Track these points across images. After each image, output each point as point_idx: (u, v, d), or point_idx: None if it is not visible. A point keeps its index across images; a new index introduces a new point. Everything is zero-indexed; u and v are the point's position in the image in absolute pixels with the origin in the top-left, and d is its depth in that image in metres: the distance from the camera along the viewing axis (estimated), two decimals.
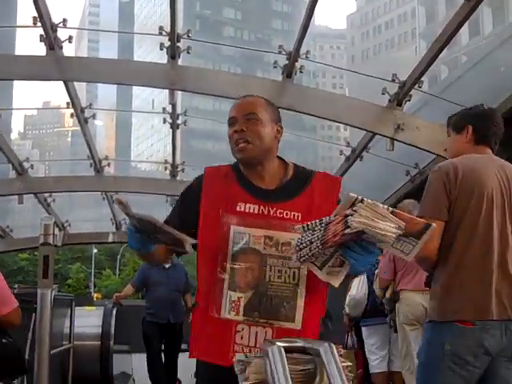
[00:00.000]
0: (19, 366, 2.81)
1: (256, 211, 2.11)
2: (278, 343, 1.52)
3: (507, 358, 2.50)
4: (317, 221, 1.82)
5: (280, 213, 2.10)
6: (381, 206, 1.74)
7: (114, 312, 7.09)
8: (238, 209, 2.11)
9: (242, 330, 2.05)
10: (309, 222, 1.84)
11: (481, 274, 2.55)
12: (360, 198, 1.74)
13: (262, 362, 1.52)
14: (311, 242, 1.81)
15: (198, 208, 2.16)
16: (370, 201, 1.73)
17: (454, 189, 2.61)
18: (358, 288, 5.57)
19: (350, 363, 1.53)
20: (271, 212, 2.10)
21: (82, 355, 6.46)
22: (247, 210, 2.11)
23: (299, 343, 1.57)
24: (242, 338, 2.05)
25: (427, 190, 2.59)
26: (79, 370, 6.23)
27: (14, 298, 2.78)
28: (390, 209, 1.76)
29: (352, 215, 1.70)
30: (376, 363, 5.59)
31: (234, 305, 2.06)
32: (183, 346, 7.12)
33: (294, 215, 2.10)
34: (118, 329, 7.08)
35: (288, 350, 1.52)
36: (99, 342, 6.74)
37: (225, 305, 2.06)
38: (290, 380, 1.44)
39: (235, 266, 2.07)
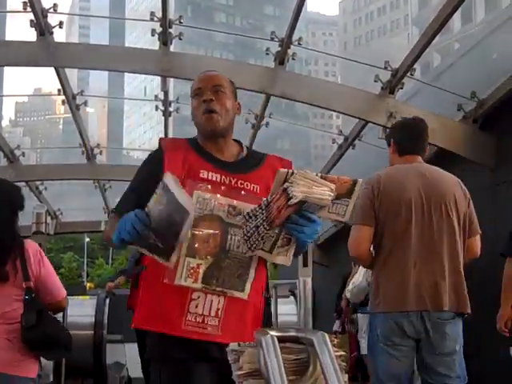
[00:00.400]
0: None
1: (218, 179, 2.11)
2: (272, 333, 1.52)
3: (433, 347, 2.98)
4: (256, 206, 1.86)
5: (241, 183, 2.12)
6: (311, 173, 1.81)
7: (107, 301, 7.05)
8: (201, 175, 2.10)
9: (198, 298, 2.01)
10: (248, 210, 1.89)
11: (401, 272, 2.99)
12: (290, 171, 1.80)
13: (255, 351, 1.51)
14: (257, 227, 1.85)
15: (159, 176, 1.98)
16: (301, 171, 1.80)
17: (377, 199, 3.04)
18: (363, 276, 5.65)
19: (343, 352, 1.53)
20: (232, 182, 2.11)
21: (75, 345, 6.46)
22: (210, 178, 2.10)
23: (293, 333, 1.57)
24: (196, 306, 2.01)
25: (357, 202, 2.47)
26: (72, 360, 6.20)
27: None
28: (319, 174, 1.83)
29: (291, 187, 1.76)
30: (365, 346, 5.77)
31: (192, 271, 2.00)
32: None
33: (253, 187, 2.13)
34: (112, 318, 7.02)
35: (281, 340, 1.52)
36: (92, 332, 6.72)
37: (181, 271, 1.99)
38: (283, 369, 1.44)
39: (196, 232, 2.01)
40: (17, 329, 2.64)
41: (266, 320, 2.18)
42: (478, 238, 3.20)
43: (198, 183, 2.05)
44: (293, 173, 1.80)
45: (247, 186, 2.12)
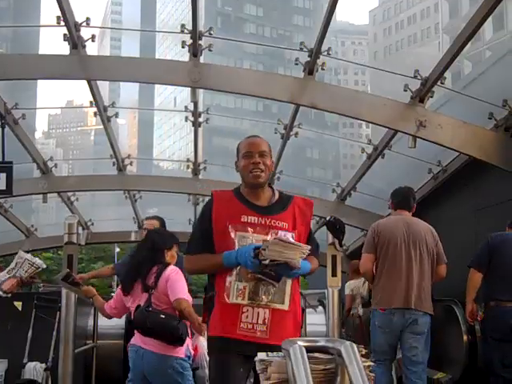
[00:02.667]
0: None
1: (255, 221, 2.86)
2: (300, 342, 1.52)
3: (409, 331, 4.74)
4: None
5: (273, 222, 2.86)
6: (286, 240, 2.65)
7: None
8: (242, 219, 2.84)
9: (247, 311, 2.76)
10: None
11: (392, 282, 4.77)
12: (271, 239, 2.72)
13: (283, 361, 1.51)
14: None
15: (211, 224, 2.88)
16: (275, 239, 2.65)
17: (377, 236, 4.89)
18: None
19: (371, 363, 1.52)
20: (266, 222, 2.86)
21: (105, 354, 6.51)
22: (249, 221, 2.85)
23: (321, 343, 1.56)
24: (247, 317, 2.76)
25: (366, 238, 5.10)
26: (102, 370, 6.27)
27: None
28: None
29: (264, 249, 2.58)
30: None
31: (240, 292, 2.77)
32: None
33: (283, 224, 2.87)
34: None
35: (309, 350, 1.52)
36: (122, 341, 6.77)
37: (233, 293, 2.77)
38: (311, 380, 1.44)
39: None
40: None
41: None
42: (443, 266, 4.90)
43: (239, 226, 2.82)
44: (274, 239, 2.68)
45: (278, 224, 2.86)
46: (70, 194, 9.12)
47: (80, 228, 9.22)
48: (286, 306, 2.80)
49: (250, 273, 2.69)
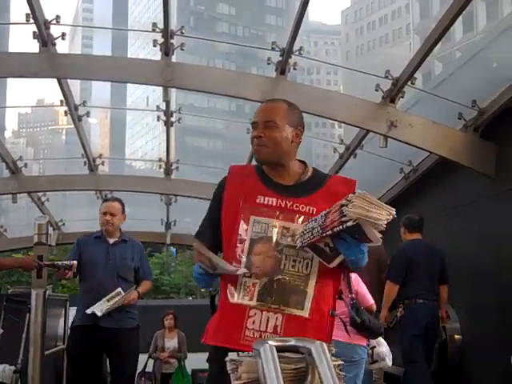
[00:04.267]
0: None
1: (274, 204, 2.28)
2: (270, 342, 1.52)
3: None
4: (320, 214, 2.06)
5: (296, 206, 2.27)
6: (370, 196, 1.92)
7: None
8: (257, 201, 2.29)
9: (255, 314, 2.18)
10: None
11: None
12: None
13: (253, 361, 1.52)
14: (313, 228, 2.03)
15: (220, 206, 2.35)
16: (360, 191, 1.93)
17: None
18: None
19: (341, 362, 1.53)
20: (288, 205, 2.27)
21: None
22: (266, 202, 2.28)
23: (291, 342, 1.57)
24: (253, 322, 2.17)
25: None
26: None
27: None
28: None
29: (347, 205, 1.88)
30: None
31: (248, 290, 2.20)
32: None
33: (309, 209, 2.26)
34: None
35: (280, 349, 1.52)
36: None
37: (239, 290, 2.21)
38: (281, 379, 1.44)
39: (252, 254, 2.23)
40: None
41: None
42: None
43: (254, 208, 2.27)
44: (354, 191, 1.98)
45: (302, 208, 2.27)
46: (40, 194, 9.01)
47: (51, 228, 9.13)
48: (305, 313, 2.19)
49: (302, 244, 2.11)
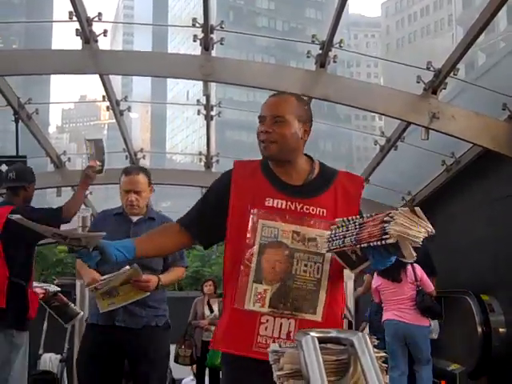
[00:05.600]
0: None
1: (284, 206, 2.21)
2: (312, 333, 1.52)
3: None
4: (350, 219, 1.93)
5: (306, 208, 2.21)
6: (415, 212, 1.84)
7: None
8: (266, 203, 2.21)
9: (267, 321, 2.14)
10: (344, 218, 1.96)
11: None
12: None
13: (295, 352, 1.52)
14: (345, 237, 1.92)
15: (226, 201, 2.25)
16: (403, 208, 1.84)
17: None
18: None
19: (383, 353, 1.52)
20: (298, 208, 2.21)
21: None
22: (275, 205, 2.21)
23: (333, 333, 1.57)
24: (266, 329, 2.14)
25: None
26: None
27: None
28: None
29: (389, 222, 1.80)
30: None
31: (259, 296, 2.15)
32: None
33: (319, 211, 2.21)
34: None
35: (322, 341, 1.52)
36: None
37: (249, 297, 2.15)
38: (323, 370, 1.44)
39: (262, 259, 2.17)
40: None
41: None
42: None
43: (263, 212, 2.19)
44: (396, 208, 1.86)
45: (313, 210, 2.21)
46: None
47: None
48: (318, 317, 2.16)
49: (331, 249, 2.00)
